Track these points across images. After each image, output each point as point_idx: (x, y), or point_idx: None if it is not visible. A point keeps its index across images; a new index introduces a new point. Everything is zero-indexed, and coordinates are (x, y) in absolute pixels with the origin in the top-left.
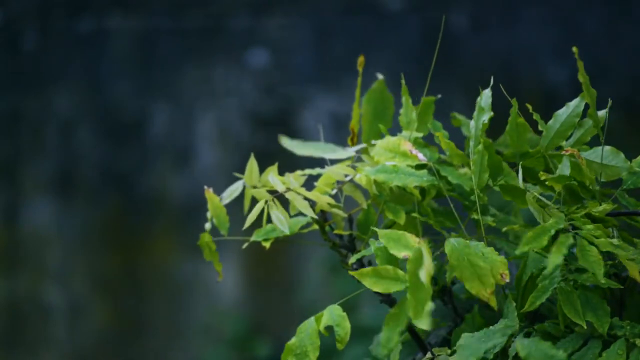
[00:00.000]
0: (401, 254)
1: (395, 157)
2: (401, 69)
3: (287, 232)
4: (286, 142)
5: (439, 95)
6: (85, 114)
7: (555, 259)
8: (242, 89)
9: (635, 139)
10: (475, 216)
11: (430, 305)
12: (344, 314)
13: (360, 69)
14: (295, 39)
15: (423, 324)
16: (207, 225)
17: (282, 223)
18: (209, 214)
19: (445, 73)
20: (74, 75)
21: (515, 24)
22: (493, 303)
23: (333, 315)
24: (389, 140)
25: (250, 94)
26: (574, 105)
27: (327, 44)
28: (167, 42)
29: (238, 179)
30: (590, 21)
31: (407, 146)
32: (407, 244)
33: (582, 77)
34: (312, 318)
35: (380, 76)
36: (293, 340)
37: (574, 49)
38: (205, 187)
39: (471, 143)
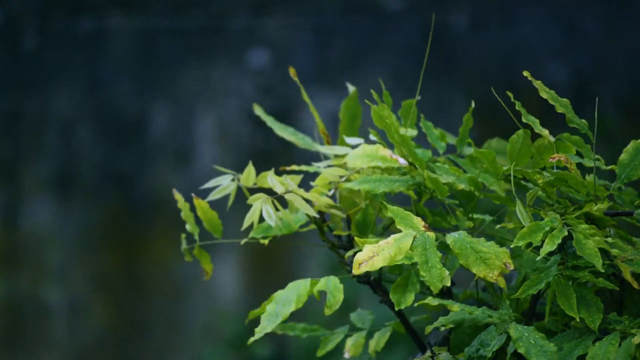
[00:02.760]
0: (408, 230)
1: (373, 161)
2: (401, 69)
3: (273, 225)
4: (263, 115)
5: (418, 97)
6: (85, 114)
7: (547, 247)
8: (242, 89)
9: (635, 139)
10: (453, 222)
11: (446, 275)
12: (341, 285)
13: (296, 79)
14: (295, 39)
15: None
16: (188, 227)
17: (270, 218)
18: (183, 216)
19: (445, 73)
20: (74, 75)
21: (515, 24)
22: (502, 284)
23: (330, 283)
24: (366, 147)
25: (250, 94)
26: (521, 137)
27: (327, 44)
28: (167, 42)
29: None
30: (590, 21)
31: (386, 152)
32: (412, 224)
33: (544, 94)
34: (308, 279)
35: (351, 87)
36: (280, 291)
37: (525, 72)
38: (193, 195)
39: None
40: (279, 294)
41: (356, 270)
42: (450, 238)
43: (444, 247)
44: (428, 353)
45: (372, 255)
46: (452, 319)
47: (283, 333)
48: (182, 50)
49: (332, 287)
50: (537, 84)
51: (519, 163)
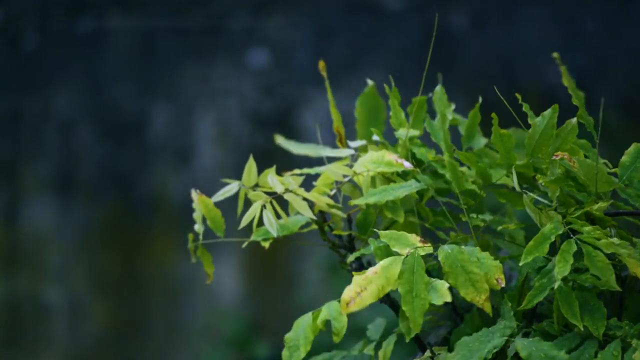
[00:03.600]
0: (404, 250)
1: (380, 167)
2: (401, 69)
3: (274, 235)
4: (282, 142)
5: (431, 94)
6: (85, 114)
7: (562, 269)
8: (242, 89)
9: (635, 139)
10: (463, 218)
11: (445, 286)
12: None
13: (323, 73)
14: (295, 39)
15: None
16: (197, 227)
17: (272, 226)
18: (195, 215)
19: (445, 73)
20: (74, 75)
21: (515, 24)
22: (488, 309)
23: (331, 310)
24: (373, 154)
25: (250, 94)
26: (548, 116)
27: (327, 44)
28: (167, 42)
29: (234, 179)
30: (590, 21)
31: (392, 157)
32: (408, 243)
33: (566, 81)
34: (310, 313)
35: (370, 82)
36: (289, 333)
37: (555, 54)
38: (195, 190)
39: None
40: (289, 338)
41: (345, 310)
42: (442, 253)
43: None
44: (428, 353)
45: (360, 291)
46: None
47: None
48: (182, 50)
49: (335, 313)
50: (563, 69)
51: (539, 147)
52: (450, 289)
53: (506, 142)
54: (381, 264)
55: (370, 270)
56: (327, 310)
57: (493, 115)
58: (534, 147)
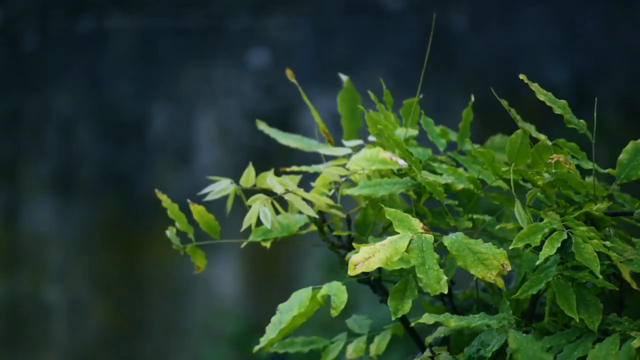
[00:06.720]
0: (406, 233)
1: (374, 165)
2: (401, 68)
3: (269, 227)
4: (266, 129)
5: (422, 95)
6: (85, 114)
7: (546, 251)
8: (242, 89)
9: (634, 139)
10: (451, 222)
11: (443, 277)
12: (344, 287)
13: (293, 80)
14: (295, 39)
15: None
16: (168, 233)
17: (267, 219)
18: (178, 225)
19: (445, 73)
20: (74, 75)
21: (515, 24)
22: (500, 284)
23: (332, 287)
24: (367, 151)
25: (250, 94)
26: (520, 137)
27: (327, 44)
28: (167, 42)
29: (230, 179)
30: (590, 21)
31: (386, 154)
32: (410, 226)
33: (542, 96)
34: (310, 287)
35: (344, 77)
36: (284, 303)
37: (522, 76)
38: (189, 200)
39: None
40: (282, 305)
41: (352, 272)
42: (448, 240)
43: (443, 248)
44: (428, 353)
45: (367, 257)
46: (451, 329)
47: (285, 351)
48: (182, 50)
49: (335, 289)
50: (534, 86)
51: (518, 163)
52: (450, 288)
53: (487, 156)
54: (389, 238)
55: (378, 243)
56: (328, 287)
57: (467, 140)
58: (514, 161)
